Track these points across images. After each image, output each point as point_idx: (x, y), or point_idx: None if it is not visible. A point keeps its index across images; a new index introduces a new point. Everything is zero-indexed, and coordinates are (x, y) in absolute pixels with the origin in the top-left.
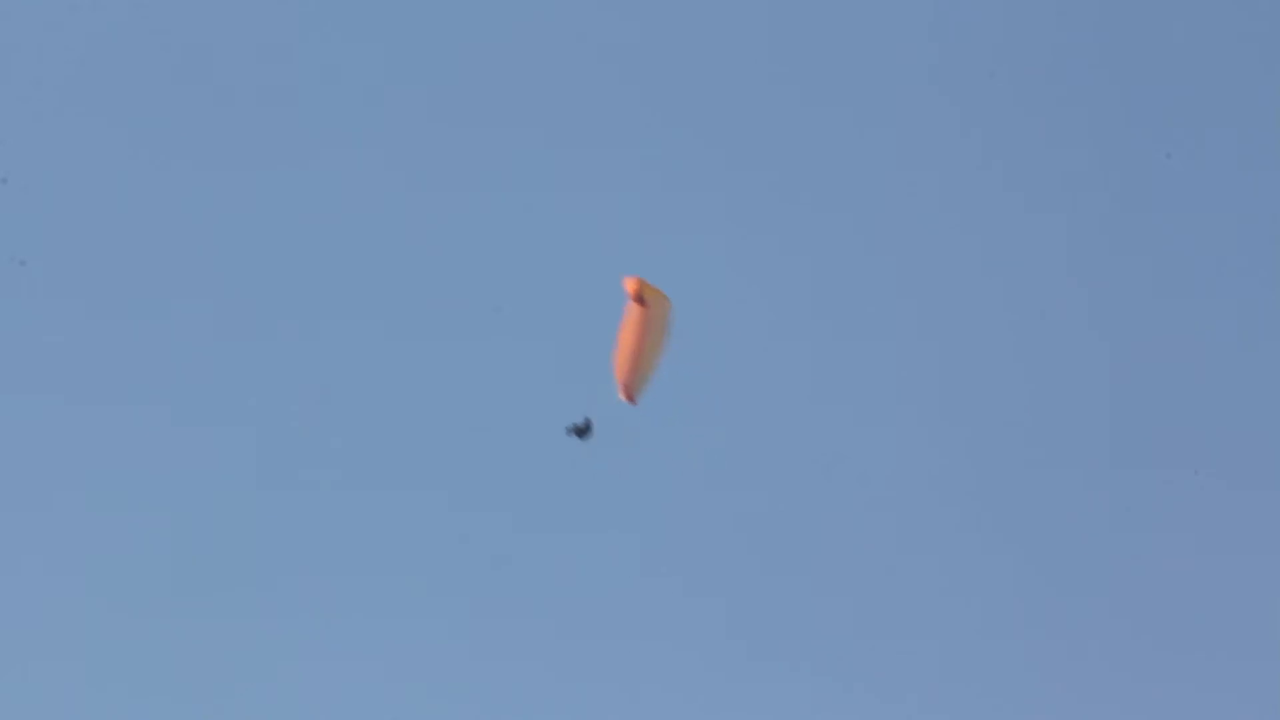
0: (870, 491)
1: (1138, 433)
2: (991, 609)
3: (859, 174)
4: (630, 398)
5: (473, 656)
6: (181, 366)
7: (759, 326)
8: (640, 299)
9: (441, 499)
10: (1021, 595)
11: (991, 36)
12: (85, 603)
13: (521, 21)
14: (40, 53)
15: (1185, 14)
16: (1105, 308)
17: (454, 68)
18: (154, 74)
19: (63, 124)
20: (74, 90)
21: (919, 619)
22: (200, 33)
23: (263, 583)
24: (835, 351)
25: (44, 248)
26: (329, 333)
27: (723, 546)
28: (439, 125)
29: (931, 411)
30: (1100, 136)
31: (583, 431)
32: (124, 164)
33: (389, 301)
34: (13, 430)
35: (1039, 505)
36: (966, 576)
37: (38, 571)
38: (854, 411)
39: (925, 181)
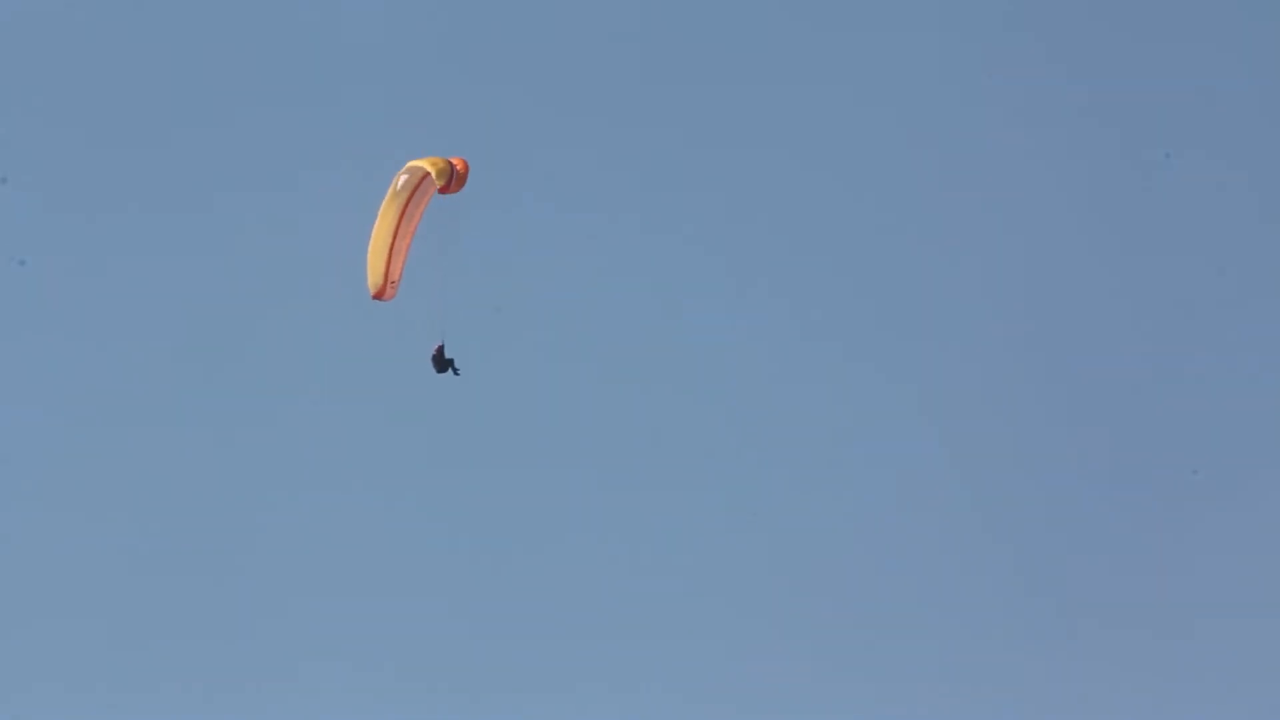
0: (873, 494)
1: (1137, 433)
2: (989, 610)
3: (855, 178)
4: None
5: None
6: (179, 364)
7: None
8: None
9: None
10: (1020, 596)
11: (991, 37)
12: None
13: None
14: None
15: (1186, 16)
16: (1104, 309)
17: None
18: (153, 76)
19: (62, 124)
20: (74, 91)
21: (920, 620)
22: (200, 37)
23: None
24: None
25: (44, 248)
26: (327, 331)
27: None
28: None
29: (931, 413)
30: (1099, 137)
31: (444, 363)
32: (123, 166)
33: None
34: (13, 428)
35: (1039, 506)
36: (963, 579)
37: (35, 564)
38: (855, 412)
39: (923, 183)
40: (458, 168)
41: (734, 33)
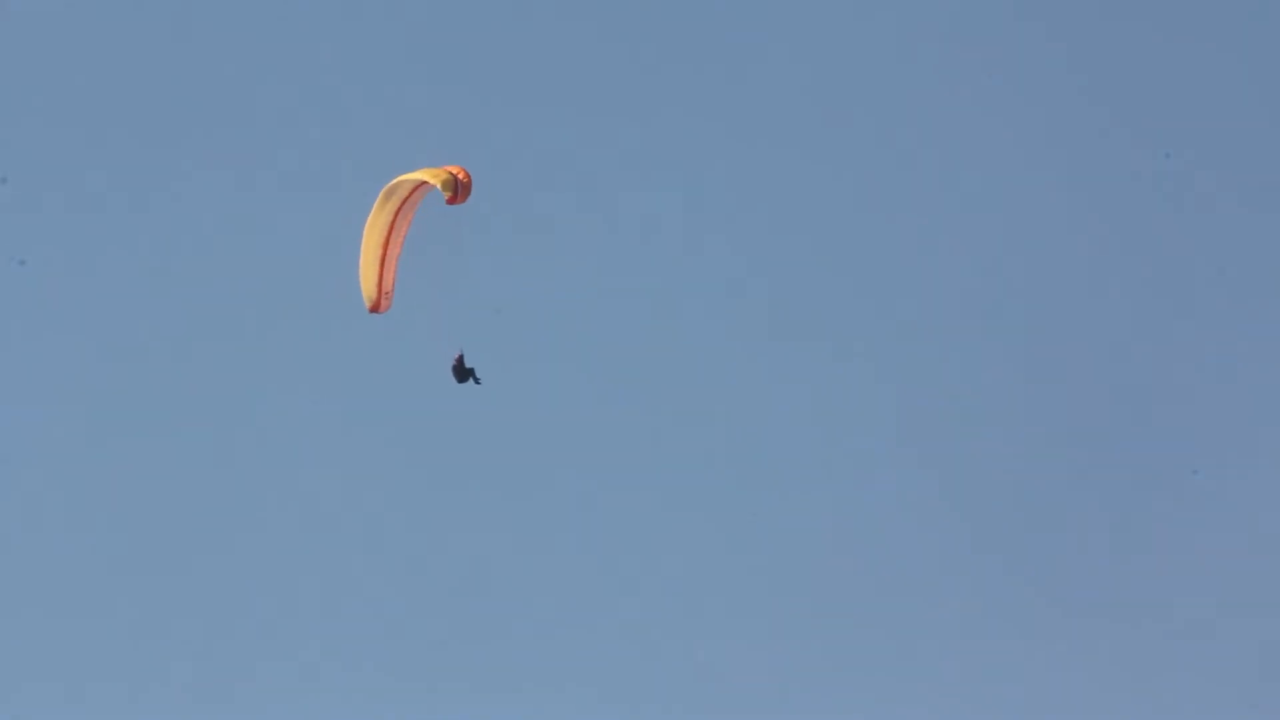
0: (876, 495)
1: (1136, 433)
2: (987, 612)
3: (856, 174)
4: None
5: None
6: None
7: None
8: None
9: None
10: (1017, 597)
11: (992, 37)
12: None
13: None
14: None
15: (1186, 16)
16: (1103, 308)
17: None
18: (154, 77)
19: (63, 124)
20: (74, 91)
21: (918, 621)
22: (202, 37)
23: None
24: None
25: (44, 248)
26: (329, 336)
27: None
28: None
29: (932, 413)
30: (1099, 136)
31: (465, 373)
32: (123, 166)
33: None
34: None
35: (1037, 506)
36: (961, 580)
37: (35, 564)
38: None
39: (922, 180)
40: (460, 178)
41: (733, 32)
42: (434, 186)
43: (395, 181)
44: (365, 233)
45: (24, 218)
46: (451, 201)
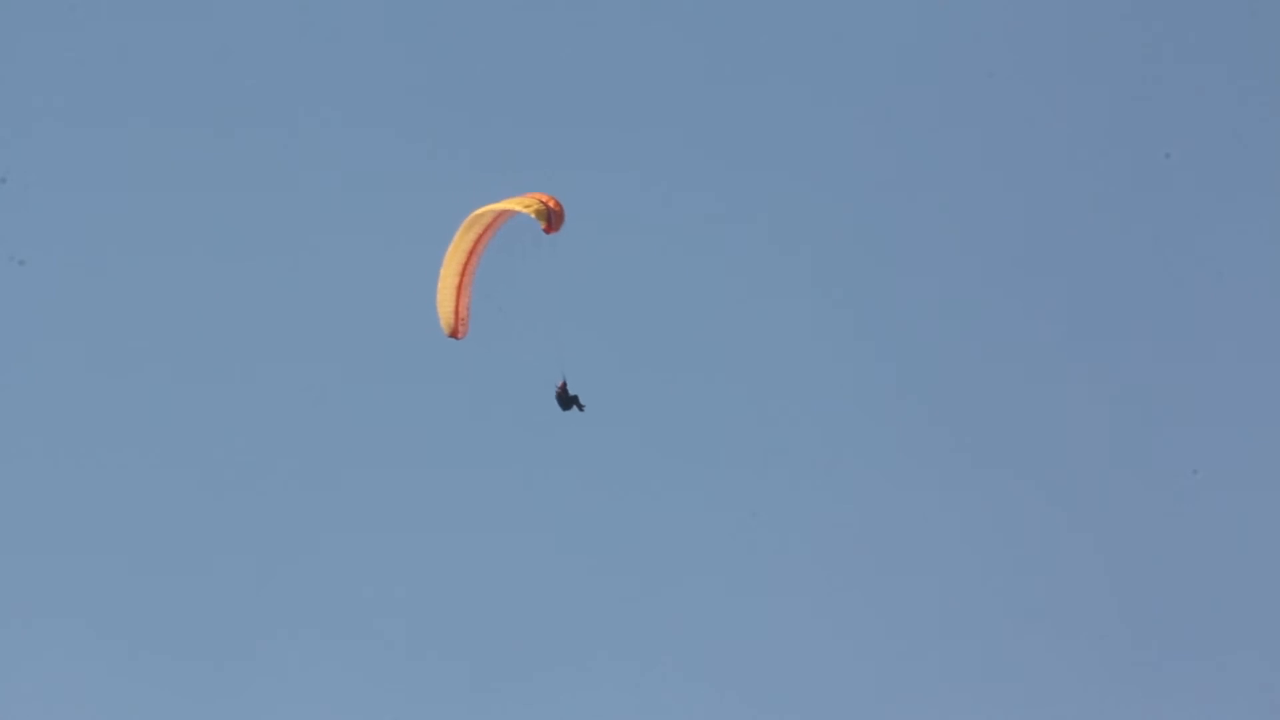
0: (885, 494)
1: (1136, 432)
2: (991, 608)
3: (857, 175)
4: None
5: None
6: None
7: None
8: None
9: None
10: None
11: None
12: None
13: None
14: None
15: (1188, 14)
16: (1104, 309)
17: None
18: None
19: (62, 124)
20: (73, 90)
21: (927, 616)
22: (202, 38)
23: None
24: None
25: (44, 248)
26: (334, 331)
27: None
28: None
29: (933, 408)
30: (1099, 135)
31: (568, 401)
32: (124, 167)
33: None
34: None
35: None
36: (968, 573)
37: (36, 563)
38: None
39: (918, 179)
40: (552, 206)
41: (735, 32)
42: (521, 214)
43: (479, 212)
44: (445, 261)
45: (24, 218)
46: (549, 230)
